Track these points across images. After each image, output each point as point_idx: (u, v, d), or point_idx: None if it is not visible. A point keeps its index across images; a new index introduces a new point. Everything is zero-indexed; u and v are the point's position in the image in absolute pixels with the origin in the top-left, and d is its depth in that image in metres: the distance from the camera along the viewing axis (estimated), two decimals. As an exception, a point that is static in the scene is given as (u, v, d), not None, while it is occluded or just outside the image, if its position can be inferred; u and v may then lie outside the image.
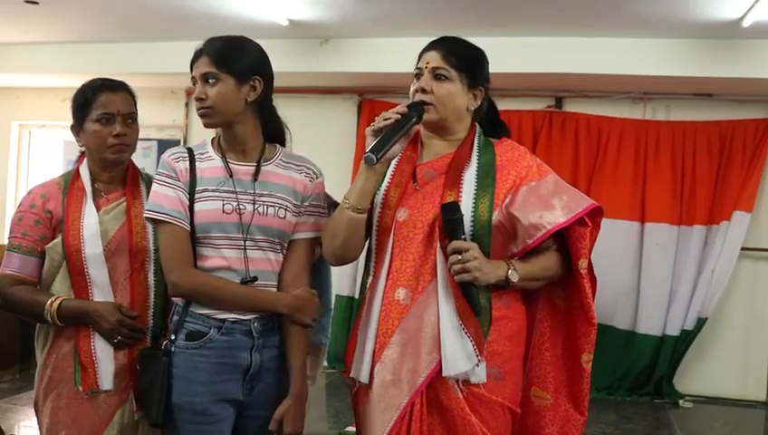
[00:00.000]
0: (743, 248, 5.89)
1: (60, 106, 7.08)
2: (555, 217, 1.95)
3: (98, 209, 2.22)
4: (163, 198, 2.01)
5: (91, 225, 2.18)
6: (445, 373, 1.89)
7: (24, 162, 7.64)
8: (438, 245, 1.95)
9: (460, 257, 1.87)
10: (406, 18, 5.29)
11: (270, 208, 2.04)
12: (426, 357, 1.92)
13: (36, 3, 5.25)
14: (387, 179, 2.06)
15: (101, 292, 2.17)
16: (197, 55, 2.04)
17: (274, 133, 2.16)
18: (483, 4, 4.88)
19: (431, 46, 2.08)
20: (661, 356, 5.94)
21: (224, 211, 2.00)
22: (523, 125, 6.15)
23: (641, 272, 6.01)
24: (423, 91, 2.02)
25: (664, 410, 5.72)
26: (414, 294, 1.96)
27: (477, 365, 1.90)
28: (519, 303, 2.05)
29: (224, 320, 2.00)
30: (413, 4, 4.93)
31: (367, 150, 1.89)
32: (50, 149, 7.55)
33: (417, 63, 2.08)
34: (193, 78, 2.05)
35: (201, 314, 2.01)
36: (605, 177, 6.07)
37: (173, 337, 2.02)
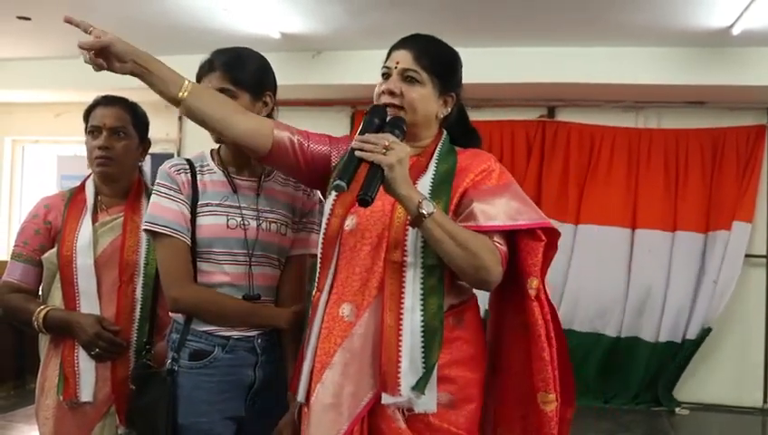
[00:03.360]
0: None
1: (53, 121, 7.11)
2: (499, 219, 1.75)
3: (96, 222, 2.26)
4: (164, 210, 1.95)
5: (85, 236, 2.22)
6: (383, 401, 1.70)
7: (18, 178, 7.63)
8: (384, 257, 1.75)
9: (388, 143, 1.65)
10: (397, 30, 5.25)
11: (273, 225, 2.03)
12: (368, 380, 1.73)
13: (29, 19, 5.26)
14: None
15: (89, 303, 2.20)
16: (208, 69, 1.99)
17: None
18: (474, 15, 4.91)
19: (402, 44, 1.91)
20: (653, 363, 5.94)
21: (228, 226, 1.97)
22: (516, 135, 6.17)
23: (634, 279, 6.00)
24: (391, 93, 1.83)
25: (660, 418, 5.71)
26: (358, 311, 1.76)
27: (423, 394, 1.69)
28: (477, 323, 1.87)
29: (228, 337, 1.96)
30: (404, 15, 4.95)
31: (335, 177, 1.70)
32: (43, 165, 7.53)
33: (386, 62, 1.90)
34: None
35: (204, 332, 1.96)
36: (598, 185, 6.09)
37: (175, 356, 1.96)
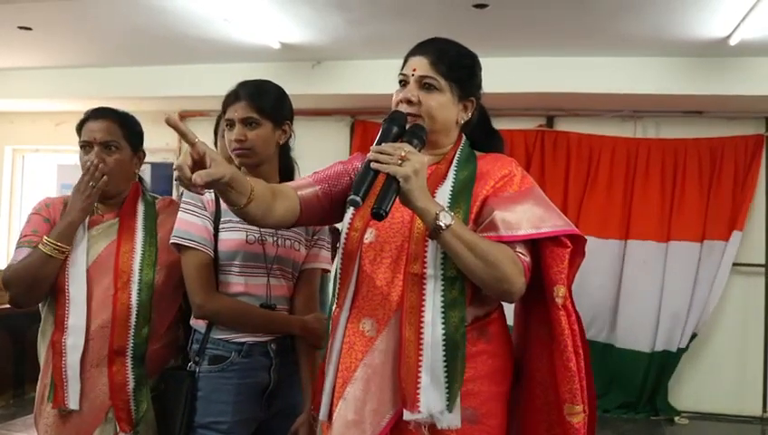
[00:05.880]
0: (736, 264, 5.96)
1: (53, 130, 7.13)
2: (521, 227, 1.70)
3: (90, 227, 2.26)
4: (190, 225, 2.12)
5: (79, 242, 2.21)
6: (405, 417, 1.64)
7: (18, 187, 7.65)
8: (404, 269, 1.71)
9: (404, 153, 1.58)
10: (397, 40, 5.31)
11: (287, 241, 2.21)
12: (390, 396, 1.68)
13: (30, 29, 5.28)
14: None
15: (77, 310, 2.17)
16: (234, 99, 2.17)
17: (286, 170, 2.32)
18: (472, 24, 4.93)
19: (418, 50, 1.84)
20: (651, 372, 5.95)
21: (247, 241, 2.14)
22: (515, 144, 6.18)
23: (632, 288, 6.01)
24: (408, 102, 1.77)
25: (660, 427, 5.71)
26: (379, 326, 1.71)
27: (448, 410, 1.64)
28: (502, 336, 1.79)
29: (243, 343, 2.13)
30: (403, 25, 4.97)
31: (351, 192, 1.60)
32: (43, 174, 7.55)
33: (402, 69, 1.84)
34: (229, 120, 2.17)
35: (220, 340, 2.13)
36: (597, 194, 6.10)
37: (197, 359, 2.13)
